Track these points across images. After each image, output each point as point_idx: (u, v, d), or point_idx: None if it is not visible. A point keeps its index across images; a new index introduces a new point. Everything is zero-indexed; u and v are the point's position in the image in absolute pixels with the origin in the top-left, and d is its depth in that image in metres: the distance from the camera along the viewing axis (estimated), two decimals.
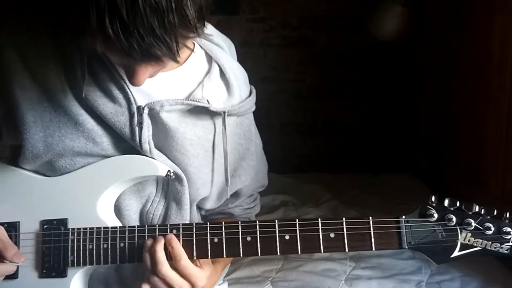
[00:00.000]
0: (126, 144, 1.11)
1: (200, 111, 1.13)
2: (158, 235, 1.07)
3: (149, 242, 1.06)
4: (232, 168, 1.22)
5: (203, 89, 1.12)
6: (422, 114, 3.22)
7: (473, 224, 1.03)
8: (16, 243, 1.11)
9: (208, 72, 1.16)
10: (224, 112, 1.13)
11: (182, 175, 1.15)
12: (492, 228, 1.02)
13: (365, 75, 3.37)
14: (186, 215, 1.18)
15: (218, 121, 1.16)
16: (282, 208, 2.59)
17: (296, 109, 3.39)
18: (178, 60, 0.92)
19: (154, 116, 1.10)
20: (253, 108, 1.24)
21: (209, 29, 1.18)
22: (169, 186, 1.17)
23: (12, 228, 1.11)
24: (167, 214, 1.18)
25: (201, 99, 1.11)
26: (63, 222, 1.11)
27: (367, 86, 3.39)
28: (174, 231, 1.07)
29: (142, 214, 1.19)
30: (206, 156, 1.17)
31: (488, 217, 1.03)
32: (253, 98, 1.22)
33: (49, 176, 1.14)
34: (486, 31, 2.28)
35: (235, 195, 1.28)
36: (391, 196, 2.69)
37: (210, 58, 1.18)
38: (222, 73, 1.17)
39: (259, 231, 1.06)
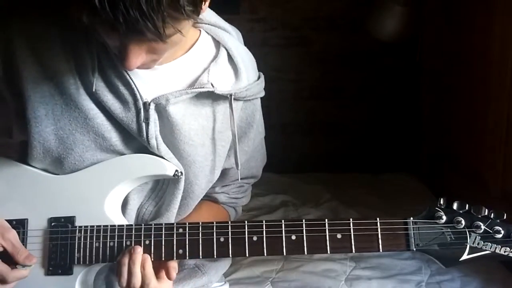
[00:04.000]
0: (135, 140, 1.12)
1: (206, 96, 1.14)
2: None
3: (126, 258, 1.08)
4: (226, 147, 1.23)
5: (209, 74, 1.13)
6: (422, 114, 3.22)
7: (483, 227, 1.03)
8: (24, 240, 1.12)
9: (215, 57, 1.16)
10: (231, 95, 1.13)
11: (182, 178, 1.15)
12: (502, 232, 1.02)
13: (365, 75, 3.37)
14: (172, 217, 1.19)
15: (221, 106, 1.17)
16: (282, 208, 2.58)
17: (296, 109, 3.39)
18: (165, 40, 0.92)
19: (161, 110, 1.11)
20: (262, 94, 1.24)
21: (215, 18, 1.19)
22: (168, 186, 1.18)
23: (20, 225, 1.13)
24: (157, 212, 1.20)
25: (206, 83, 1.11)
26: (70, 219, 1.12)
27: (367, 86, 3.39)
28: (181, 230, 1.08)
29: (139, 210, 1.20)
30: (211, 143, 1.19)
31: (498, 220, 1.03)
32: (261, 82, 1.22)
33: (57, 174, 1.14)
34: (486, 31, 2.28)
35: (222, 176, 1.28)
36: (391, 196, 2.68)
37: (217, 44, 1.18)
38: (230, 58, 1.17)
39: (265, 231, 1.06)
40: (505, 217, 1.03)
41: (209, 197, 1.33)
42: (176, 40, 0.96)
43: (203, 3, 0.94)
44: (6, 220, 1.12)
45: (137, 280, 1.06)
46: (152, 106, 1.09)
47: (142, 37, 0.90)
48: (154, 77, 1.08)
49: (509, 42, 2.10)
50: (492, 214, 1.03)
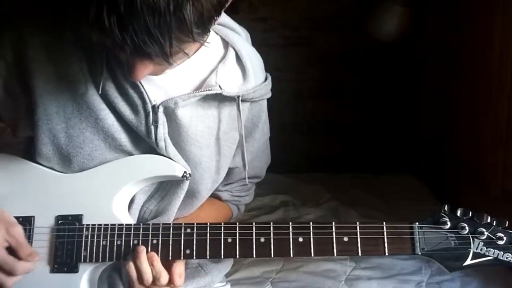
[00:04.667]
0: (144, 141, 1.13)
1: (213, 98, 1.14)
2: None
3: (131, 260, 1.09)
4: (232, 148, 1.24)
5: (217, 75, 1.13)
6: (422, 114, 3.22)
7: (486, 233, 1.05)
8: (30, 237, 1.12)
9: (223, 57, 1.16)
10: (238, 97, 1.14)
11: (187, 181, 1.16)
12: (504, 238, 1.05)
13: (365, 75, 3.37)
14: (171, 217, 1.20)
15: (228, 107, 1.17)
16: (282, 208, 2.59)
17: (296, 109, 3.39)
18: (171, 62, 0.93)
19: (169, 113, 1.11)
20: (269, 95, 1.24)
21: (225, 18, 1.19)
22: (171, 187, 1.18)
23: (27, 222, 1.13)
24: (157, 212, 1.20)
25: (214, 85, 1.12)
26: (78, 218, 1.13)
27: (367, 86, 3.39)
28: (188, 230, 1.09)
29: (141, 209, 1.21)
30: (217, 144, 1.19)
31: (500, 227, 1.05)
32: (268, 83, 1.23)
33: (65, 173, 1.14)
34: (486, 31, 2.29)
35: (226, 175, 1.28)
36: (391, 196, 2.69)
37: (226, 44, 1.18)
38: (238, 58, 1.17)
39: (273, 232, 1.07)
40: (507, 224, 1.05)
41: (212, 195, 1.33)
42: (183, 57, 0.97)
43: (212, 23, 0.94)
44: (14, 217, 1.13)
45: (148, 276, 1.08)
46: (161, 109, 1.10)
47: (148, 59, 0.92)
48: (163, 79, 1.09)
49: (509, 42, 2.10)
50: (495, 221, 1.06)
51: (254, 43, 1.27)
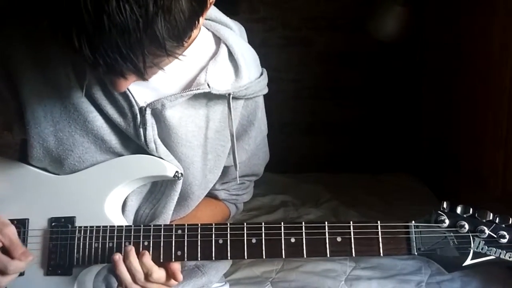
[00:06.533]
0: (134, 142, 1.12)
1: (203, 96, 1.12)
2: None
3: (120, 257, 1.08)
4: (226, 147, 1.21)
5: (206, 73, 1.10)
6: (422, 114, 3.22)
7: (487, 231, 1.00)
8: (25, 239, 1.12)
9: (215, 54, 1.13)
10: (229, 94, 1.11)
11: (180, 181, 1.15)
12: (507, 236, 0.99)
13: (365, 75, 3.37)
14: (167, 219, 1.19)
15: (220, 105, 1.15)
16: (282, 208, 2.58)
17: (296, 109, 3.39)
18: (146, 78, 0.92)
19: (157, 114, 1.10)
20: (265, 91, 1.21)
21: (217, 13, 1.17)
22: (166, 189, 1.17)
23: (21, 225, 1.13)
24: (153, 215, 1.19)
25: (203, 84, 1.09)
26: (70, 220, 1.12)
27: (367, 86, 3.39)
28: (179, 231, 1.08)
29: (137, 213, 1.20)
30: (209, 144, 1.17)
31: (503, 225, 0.99)
32: (263, 79, 1.19)
33: (58, 174, 1.14)
34: (486, 31, 2.28)
35: (221, 174, 1.26)
36: (391, 196, 2.69)
37: (218, 40, 1.15)
38: (231, 55, 1.14)
39: (264, 233, 1.05)
40: (510, 221, 1.00)
41: (209, 194, 1.31)
42: (158, 71, 0.95)
43: (188, 35, 0.92)
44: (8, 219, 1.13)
45: (139, 275, 1.06)
46: (148, 111, 1.09)
47: (121, 77, 0.91)
48: (151, 79, 1.07)
49: (509, 42, 2.10)
50: (497, 218, 1.00)
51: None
